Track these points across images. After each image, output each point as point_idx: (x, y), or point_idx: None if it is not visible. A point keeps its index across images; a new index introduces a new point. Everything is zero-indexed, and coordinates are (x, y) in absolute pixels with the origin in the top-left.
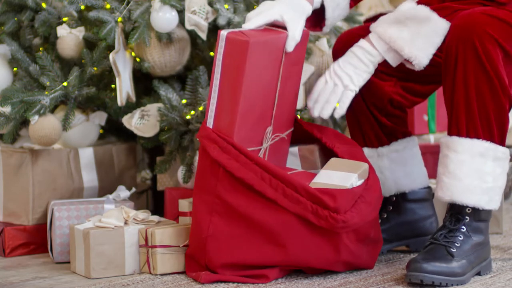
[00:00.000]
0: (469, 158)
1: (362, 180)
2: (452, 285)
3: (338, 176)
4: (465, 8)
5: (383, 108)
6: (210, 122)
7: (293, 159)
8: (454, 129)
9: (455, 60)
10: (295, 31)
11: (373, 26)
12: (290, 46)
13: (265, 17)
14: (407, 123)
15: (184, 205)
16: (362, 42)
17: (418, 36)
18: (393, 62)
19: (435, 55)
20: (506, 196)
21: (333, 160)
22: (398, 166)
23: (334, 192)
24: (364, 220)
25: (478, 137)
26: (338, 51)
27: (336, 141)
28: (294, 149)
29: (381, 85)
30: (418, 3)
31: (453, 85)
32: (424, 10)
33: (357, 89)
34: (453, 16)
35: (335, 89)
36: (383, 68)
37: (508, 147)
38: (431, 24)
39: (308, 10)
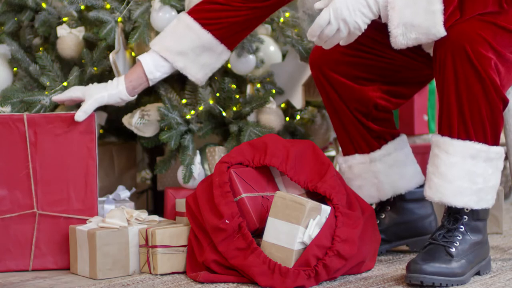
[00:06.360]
0: (460, 160)
1: (317, 228)
2: (452, 285)
3: (285, 230)
4: None
5: (369, 113)
6: None
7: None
8: (446, 129)
9: (444, 62)
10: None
11: None
12: (78, 117)
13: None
14: (394, 123)
15: (182, 205)
16: None
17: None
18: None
19: (415, 60)
20: (506, 196)
21: (277, 198)
22: (392, 169)
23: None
24: (334, 270)
25: (470, 139)
26: (317, 59)
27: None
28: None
29: (364, 90)
30: None
31: (442, 86)
32: None
33: (362, 31)
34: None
35: (338, 34)
36: (364, 74)
37: (502, 145)
38: None
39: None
